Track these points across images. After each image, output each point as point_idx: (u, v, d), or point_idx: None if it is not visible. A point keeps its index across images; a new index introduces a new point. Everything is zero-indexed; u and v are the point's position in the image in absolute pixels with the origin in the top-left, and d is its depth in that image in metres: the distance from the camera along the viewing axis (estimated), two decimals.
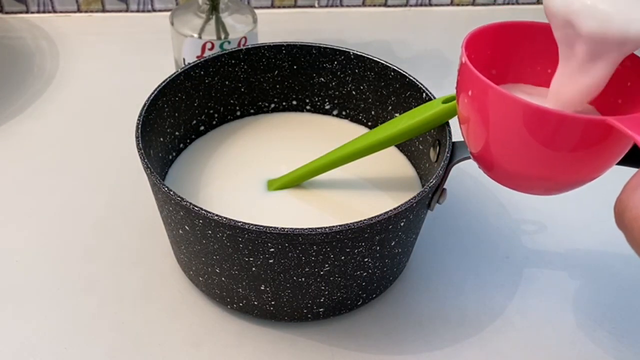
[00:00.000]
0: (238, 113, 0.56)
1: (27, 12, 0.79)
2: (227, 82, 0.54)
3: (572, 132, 0.32)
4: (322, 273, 0.42)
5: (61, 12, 0.79)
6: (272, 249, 0.40)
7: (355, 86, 0.55)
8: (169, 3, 0.80)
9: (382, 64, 0.52)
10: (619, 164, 0.35)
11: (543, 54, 0.39)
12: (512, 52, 0.39)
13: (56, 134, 0.63)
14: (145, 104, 0.46)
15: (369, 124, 0.56)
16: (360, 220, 0.39)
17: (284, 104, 0.57)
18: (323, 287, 0.43)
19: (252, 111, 0.57)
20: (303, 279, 0.42)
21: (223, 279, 0.44)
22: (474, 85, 0.35)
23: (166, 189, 0.40)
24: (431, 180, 0.42)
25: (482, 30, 0.38)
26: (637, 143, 0.29)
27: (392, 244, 0.44)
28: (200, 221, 0.40)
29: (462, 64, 0.35)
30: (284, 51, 0.54)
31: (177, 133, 0.52)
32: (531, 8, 0.85)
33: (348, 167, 0.48)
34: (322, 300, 0.44)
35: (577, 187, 0.36)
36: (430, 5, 0.84)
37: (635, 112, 0.35)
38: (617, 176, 0.34)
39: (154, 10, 0.80)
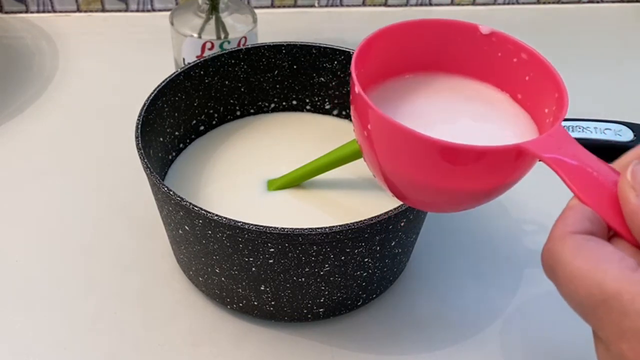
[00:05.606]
0: (238, 113, 0.56)
1: (27, 11, 0.79)
2: (227, 82, 0.54)
3: (484, 163, 0.30)
4: (322, 273, 0.42)
5: (61, 12, 0.79)
6: (272, 249, 0.40)
7: None
8: (169, 3, 0.80)
9: None
10: None
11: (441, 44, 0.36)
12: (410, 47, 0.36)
13: (56, 134, 0.63)
14: (145, 104, 0.46)
15: None
16: (360, 220, 0.39)
17: (284, 104, 0.57)
18: (323, 287, 0.43)
19: (252, 111, 0.57)
20: (303, 279, 0.42)
21: (223, 279, 0.44)
22: (363, 111, 0.31)
23: (166, 189, 0.40)
24: None
25: (369, 41, 0.33)
26: (558, 174, 0.28)
27: (392, 244, 0.43)
28: (200, 221, 0.40)
29: (352, 84, 0.32)
30: (284, 51, 0.54)
31: (177, 133, 0.52)
32: (531, 7, 0.85)
33: (348, 167, 0.48)
34: (322, 300, 0.44)
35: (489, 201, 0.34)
36: (430, 5, 0.84)
37: (537, 109, 0.34)
38: None
39: (154, 10, 0.80)
